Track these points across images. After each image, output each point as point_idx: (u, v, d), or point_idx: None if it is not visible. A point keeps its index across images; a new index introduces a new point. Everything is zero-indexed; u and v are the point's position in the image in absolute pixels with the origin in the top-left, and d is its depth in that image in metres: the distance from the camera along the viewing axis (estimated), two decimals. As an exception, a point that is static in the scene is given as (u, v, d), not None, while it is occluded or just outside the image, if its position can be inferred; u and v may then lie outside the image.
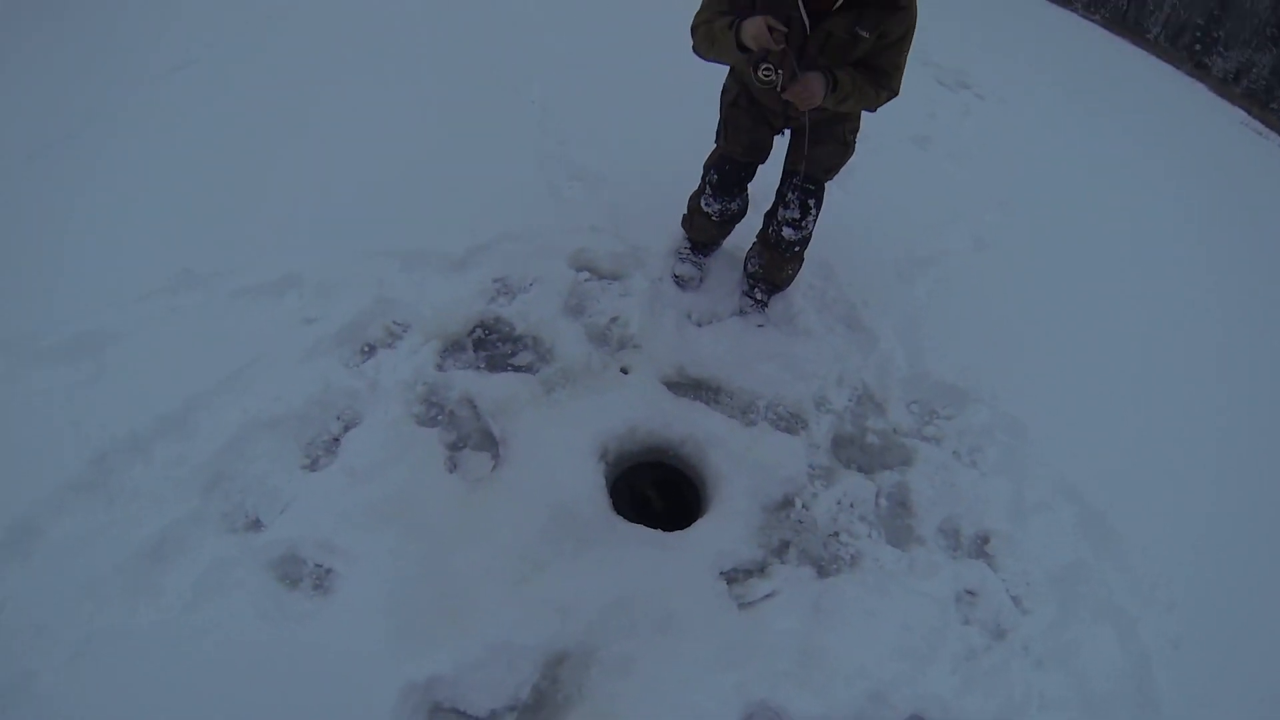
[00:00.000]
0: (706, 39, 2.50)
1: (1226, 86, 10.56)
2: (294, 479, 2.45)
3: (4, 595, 2.12)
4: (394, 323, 2.94)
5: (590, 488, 2.41)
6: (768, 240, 3.06)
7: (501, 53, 4.70)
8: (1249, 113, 9.60)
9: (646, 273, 3.17)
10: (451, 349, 2.88)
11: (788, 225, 2.95)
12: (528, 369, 2.81)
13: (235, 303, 2.95)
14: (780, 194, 2.99)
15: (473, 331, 2.94)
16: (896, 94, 2.55)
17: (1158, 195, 5.29)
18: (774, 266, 3.09)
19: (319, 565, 2.28)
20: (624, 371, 2.77)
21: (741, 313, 3.15)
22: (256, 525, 2.35)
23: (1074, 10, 11.02)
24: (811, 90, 2.34)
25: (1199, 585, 2.83)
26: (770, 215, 3.05)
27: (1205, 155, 6.78)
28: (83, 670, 2.02)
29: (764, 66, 2.38)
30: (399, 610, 2.17)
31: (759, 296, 3.16)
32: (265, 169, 3.57)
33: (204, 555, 2.25)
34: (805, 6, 2.35)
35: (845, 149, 2.89)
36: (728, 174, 2.98)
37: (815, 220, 2.97)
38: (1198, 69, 10.57)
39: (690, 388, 2.83)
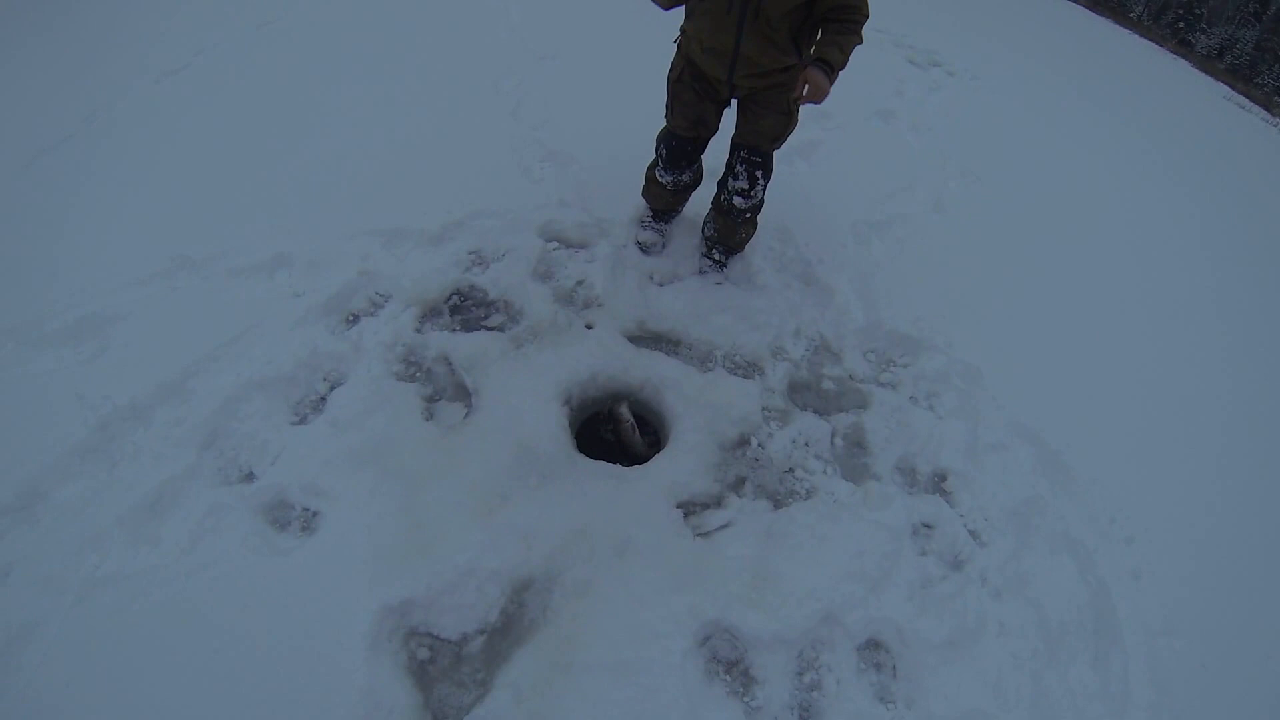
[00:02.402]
0: None
1: (1209, 63, 10.67)
2: (283, 434, 2.59)
3: (13, 557, 2.25)
4: (376, 293, 3.09)
5: (554, 428, 2.55)
6: (720, 207, 3.20)
7: (478, 48, 4.89)
8: (1232, 88, 9.69)
9: (611, 241, 3.32)
10: (429, 314, 3.04)
11: (738, 195, 3.09)
12: (499, 329, 2.96)
13: (230, 282, 3.12)
14: (729, 164, 3.12)
15: (449, 298, 3.10)
16: (868, 15, 2.66)
17: (1132, 164, 5.43)
18: (728, 231, 3.23)
19: (306, 509, 2.42)
20: (588, 327, 2.92)
21: (701, 273, 3.29)
22: (249, 477, 2.49)
23: (1057, -7, 11.15)
24: (819, 84, 2.54)
25: (1158, 519, 2.93)
26: (722, 184, 3.19)
27: (1186, 128, 6.90)
28: (87, 613, 2.14)
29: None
30: (376, 542, 2.30)
31: (716, 258, 3.30)
32: (256, 161, 3.75)
33: (199, 505, 2.37)
34: None
35: (788, 119, 2.96)
36: (674, 148, 3.12)
37: (764, 189, 3.10)
38: (1181, 46, 10.68)
39: (651, 340, 2.99)
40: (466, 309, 3.08)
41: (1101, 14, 11.11)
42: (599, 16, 5.54)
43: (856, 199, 3.93)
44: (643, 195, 3.41)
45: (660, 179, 3.21)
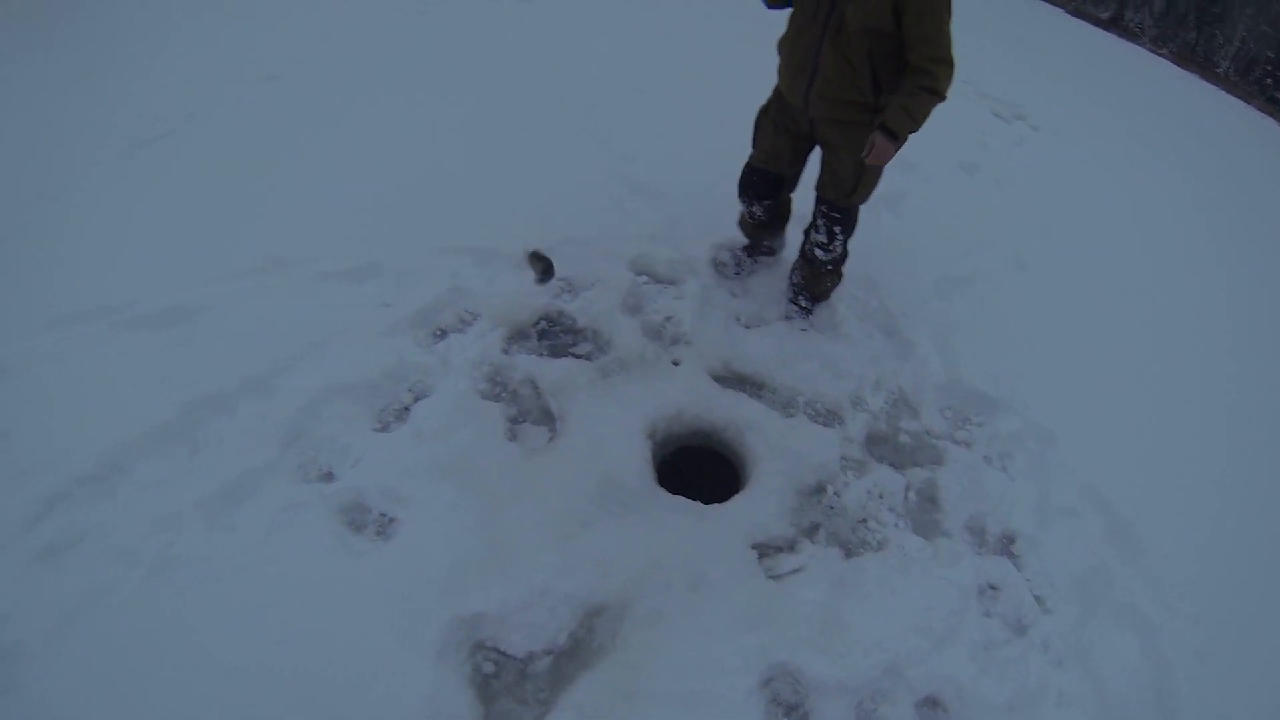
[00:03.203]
0: None
1: (1299, 122, 10.30)
2: (365, 439, 2.63)
3: (89, 524, 2.28)
4: (465, 311, 3.17)
5: (638, 460, 2.61)
6: (805, 255, 3.26)
7: (569, 77, 5.00)
8: (1323, 150, 9.36)
9: (699, 279, 3.38)
10: (517, 337, 3.11)
11: (818, 247, 3.16)
12: (586, 357, 3.03)
13: (320, 285, 3.18)
14: (813, 215, 3.17)
15: (537, 322, 3.18)
16: (950, 63, 2.57)
17: (1217, 230, 5.30)
18: (813, 279, 3.29)
19: (383, 514, 2.45)
20: (675, 364, 2.99)
21: (787, 318, 3.34)
22: (329, 477, 2.52)
23: (1142, 44, 10.93)
24: (882, 149, 2.61)
25: (1226, 599, 2.86)
26: (806, 233, 3.25)
27: (1270, 194, 6.70)
28: (156, 588, 2.16)
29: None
30: (452, 554, 2.33)
31: (802, 304, 3.35)
32: (350, 171, 3.85)
33: (277, 499, 2.41)
34: None
35: (861, 168, 2.92)
36: (748, 177, 3.24)
37: (843, 243, 3.14)
38: (1269, 104, 10.36)
39: (735, 381, 3.03)
40: (554, 334, 3.16)
41: (1188, 69, 10.85)
42: (691, 50, 5.62)
43: (940, 253, 3.94)
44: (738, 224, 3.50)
45: (740, 206, 3.34)
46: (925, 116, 2.60)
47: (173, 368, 2.76)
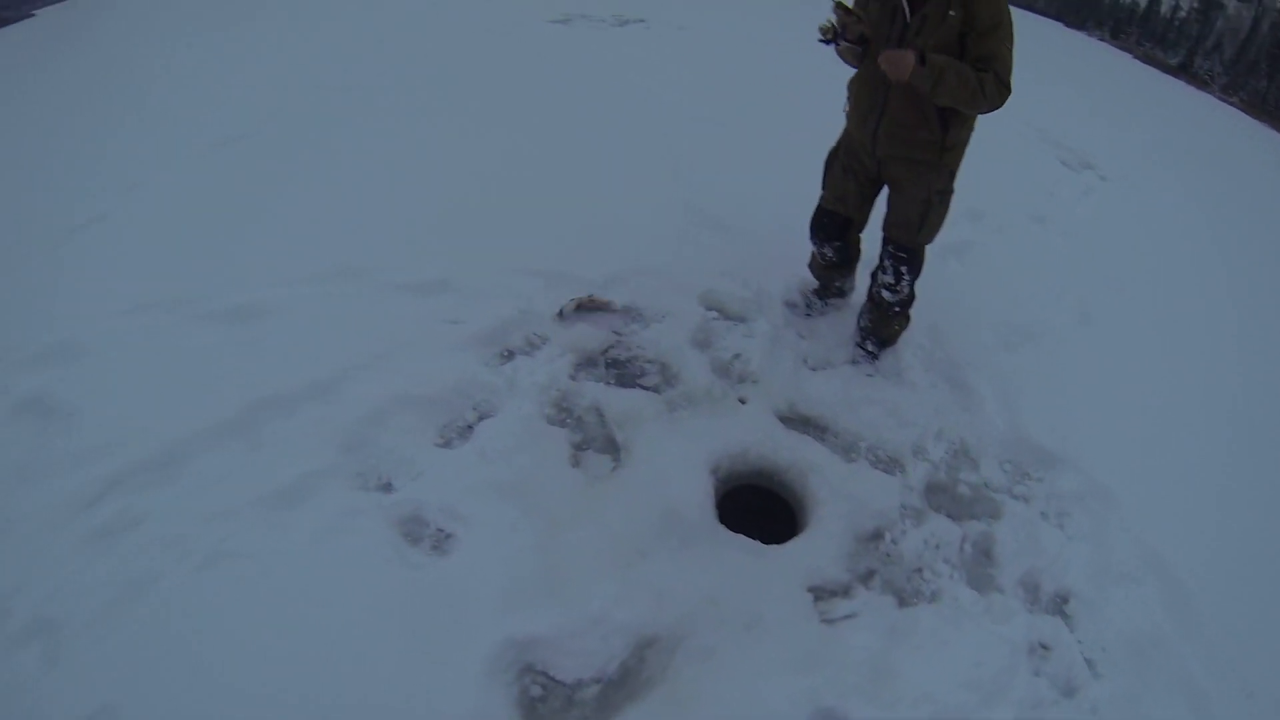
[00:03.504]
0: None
1: (1374, 179, 10.00)
2: (427, 453, 2.66)
3: (146, 510, 2.32)
4: (534, 334, 3.22)
5: (700, 496, 2.64)
6: (873, 298, 3.28)
7: (646, 106, 5.08)
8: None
9: (769, 319, 3.42)
10: (585, 364, 3.16)
11: (885, 288, 3.18)
12: (653, 389, 3.07)
13: (390, 296, 3.25)
14: (880, 256, 3.20)
15: (606, 351, 3.23)
16: (1008, 86, 2.61)
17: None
18: (880, 323, 3.31)
19: (440, 530, 2.46)
20: (741, 401, 3.02)
21: (854, 362, 3.35)
22: (388, 488, 2.55)
23: (1211, 93, 10.72)
24: (903, 59, 2.56)
25: (1280, 674, 2.78)
26: (873, 275, 3.27)
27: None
28: (208, 580, 2.19)
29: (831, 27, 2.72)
30: (509, 574, 2.33)
31: (870, 348, 3.36)
32: (429, 185, 3.95)
33: (335, 503, 2.43)
34: None
35: (927, 208, 2.96)
36: (818, 219, 3.29)
37: (910, 283, 3.16)
38: (1344, 160, 10.08)
39: (800, 423, 3.05)
40: (622, 364, 3.21)
41: (1259, 118, 10.60)
42: (772, 85, 5.67)
43: (1006, 303, 3.92)
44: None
45: (811, 246, 3.36)
46: (958, 91, 2.57)
47: (240, 365, 2.84)
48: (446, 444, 2.76)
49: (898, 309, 3.25)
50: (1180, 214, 5.70)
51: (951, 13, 2.58)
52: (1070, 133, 6.47)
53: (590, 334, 3.23)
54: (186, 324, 3.01)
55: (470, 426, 2.84)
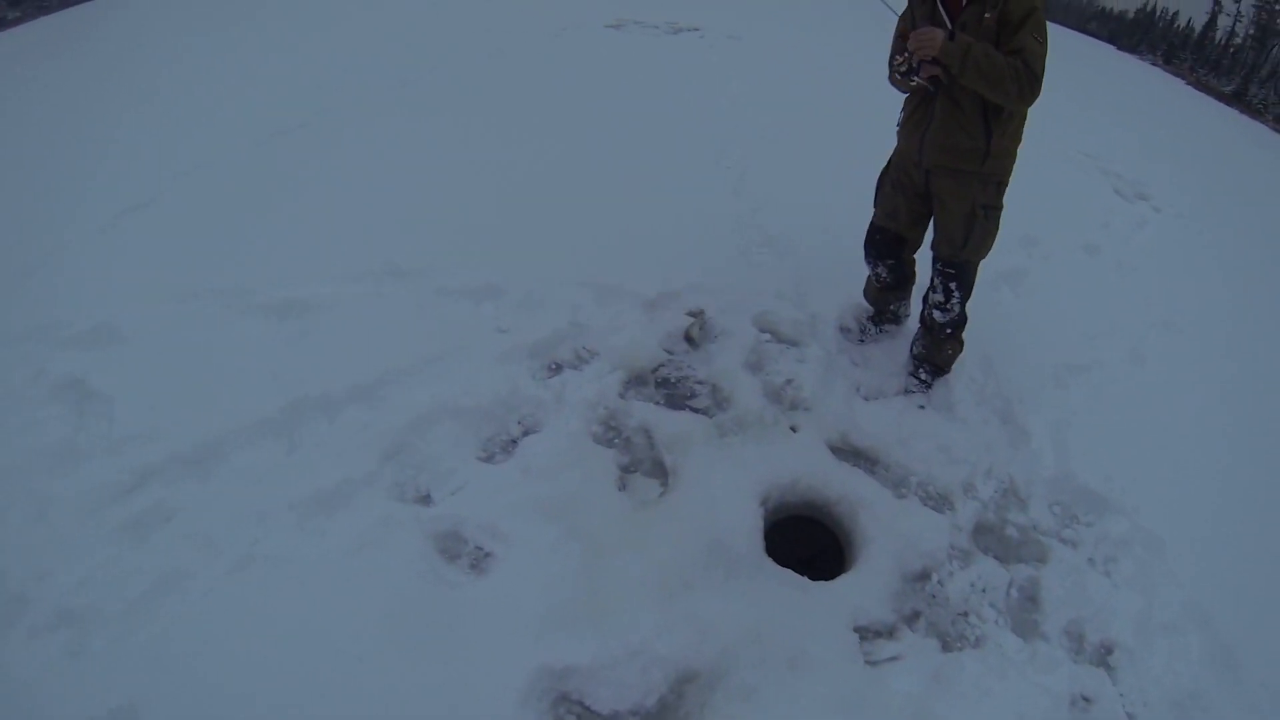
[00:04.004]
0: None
1: None
2: (469, 466, 2.59)
3: (178, 505, 2.27)
4: (583, 348, 3.15)
5: (748, 527, 2.56)
6: (924, 322, 3.21)
7: (699, 116, 5.00)
8: None
9: (822, 343, 3.34)
10: (635, 381, 3.09)
11: (935, 308, 3.12)
12: (704, 412, 3.00)
13: (437, 300, 3.19)
14: (930, 277, 3.14)
15: (656, 369, 3.16)
16: (1038, 77, 2.56)
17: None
18: (933, 348, 3.24)
19: (479, 548, 2.39)
20: (793, 430, 2.94)
21: (906, 392, 3.27)
22: (426, 500, 2.48)
23: (1265, 122, 10.46)
24: (932, 35, 2.55)
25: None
26: (925, 299, 3.21)
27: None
28: (239, 582, 2.12)
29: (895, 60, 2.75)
30: (549, 599, 2.24)
31: (923, 377, 3.28)
32: (482, 187, 3.88)
33: (372, 512, 2.36)
34: (945, 9, 2.69)
35: (972, 221, 2.91)
36: (871, 236, 3.25)
37: (960, 302, 3.08)
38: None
39: (851, 454, 2.97)
40: (672, 384, 3.14)
41: (1313, 154, 10.31)
42: (832, 101, 5.56)
43: (1058, 338, 3.81)
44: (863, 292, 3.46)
45: (866, 265, 3.31)
46: (986, 70, 2.53)
47: (283, 362, 2.79)
48: (489, 458, 2.70)
49: (949, 330, 3.17)
50: (1234, 254, 5.53)
51: (987, 15, 2.59)
52: (1124, 161, 6.31)
53: (642, 350, 3.17)
54: (230, 316, 2.98)
55: (514, 440, 2.78)
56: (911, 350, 3.32)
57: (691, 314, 3.33)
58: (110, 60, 5.33)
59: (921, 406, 3.21)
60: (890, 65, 2.90)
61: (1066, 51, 10.07)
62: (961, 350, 3.29)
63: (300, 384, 2.69)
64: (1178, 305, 4.52)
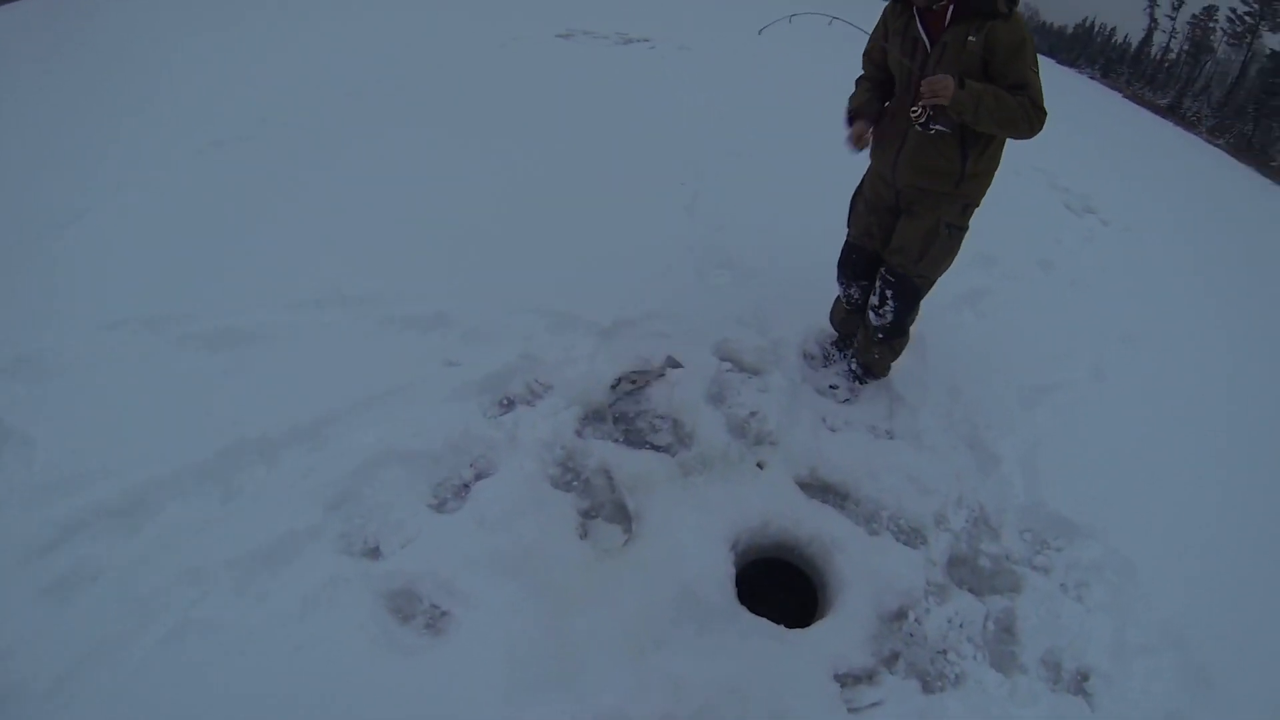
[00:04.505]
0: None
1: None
2: (419, 516, 2.43)
3: (106, 563, 2.08)
4: (536, 381, 3.01)
5: (720, 575, 2.43)
6: (865, 318, 3.18)
7: (657, 132, 4.89)
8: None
9: (786, 371, 3.24)
10: (591, 417, 2.95)
11: (871, 310, 3.07)
12: (666, 449, 2.87)
13: (383, 330, 3.03)
14: (876, 280, 3.08)
15: (614, 403, 3.02)
16: (1043, 109, 2.51)
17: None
18: (865, 345, 3.22)
19: (435, 605, 2.23)
20: (759, 466, 2.83)
21: (831, 386, 3.26)
22: (375, 553, 2.31)
23: (1199, 134, 10.77)
24: (944, 84, 2.45)
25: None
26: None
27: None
28: (176, 655, 1.95)
29: (912, 110, 2.60)
30: (515, 662, 2.11)
31: (854, 368, 3.29)
32: (429, 207, 3.71)
33: (318, 571, 2.18)
34: (924, 28, 2.59)
35: (934, 237, 2.85)
36: (846, 255, 3.17)
37: (895, 314, 3.02)
38: (1324, 206, 10.16)
39: (820, 489, 2.87)
40: (631, 419, 3.01)
41: (1244, 161, 10.66)
42: (796, 116, 5.49)
43: (1021, 358, 3.78)
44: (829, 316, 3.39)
45: (837, 287, 3.24)
46: (999, 114, 2.47)
47: (217, 400, 2.60)
48: (441, 504, 2.55)
49: (881, 336, 3.12)
50: (1181, 262, 5.63)
51: (971, 38, 2.49)
52: (1071, 174, 6.40)
53: (598, 382, 3.03)
54: (164, 346, 2.77)
55: (466, 485, 2.62)
56: (854, 342, 3.31)
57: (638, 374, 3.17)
58: (40, 62, 5.01)
59: (890, 437, 3.13)
60: (853, 97, 2.88)
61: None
62: (894, 358, 3.26)
63: (236, 424, 2.50)
64: (1132, 319, 4.55)
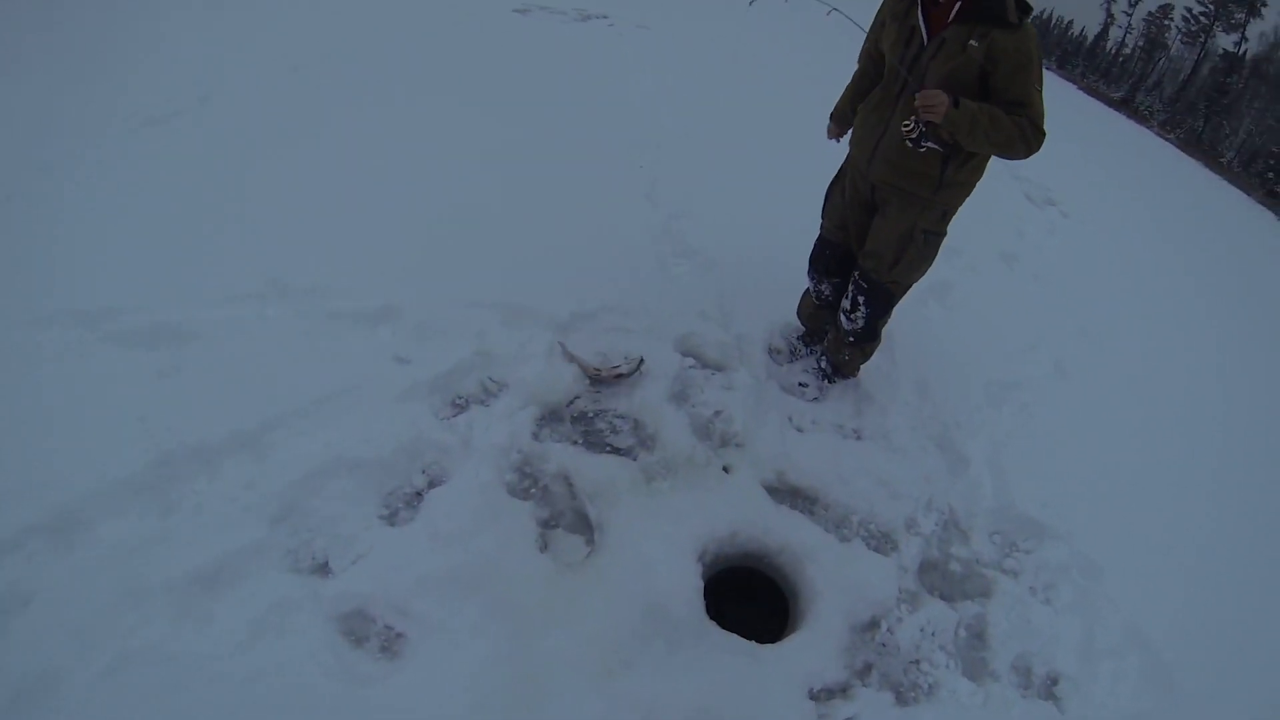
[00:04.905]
0: None
1: (1295, 217, 10.38)
2: (370, 529, 2.27)
3: (38, 585, 1.91)
4: (490, 379, 2.84)
5: (688, 589, 2.29)
6: (836, 320, 3.07)
7: (616, 106, 4.69)
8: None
9: (751, 368, 3.11)
10: (549, 418, 2.78)
11: (842, 313, 2.96)
12: (628, 453, 2.72)
13: (328, 325, 2.84)
14: (849, 283, 2.95)
15: (572, 402, 2.86)
16: (1042, 132, 2.36)
17: (1235, 333, 5.15)
18: (835, 345, 3.11)
19: (389, 627, 2.07)
20: (725, 470, 2.69)
21: (799, 385, 3.15)
22: (324, 570, 2.15)
23: (1150, 128, 10.93)
24: (939, 100, 2.28)
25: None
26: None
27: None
28: (118, 686, 1.79)
29: (904, 124, 2.44)
30: (477, 689, 1.96)
31: (823, 365, 3.18)
32: (377, 193, 3.48)
33: (264, 593, 2.03)
34: (924, 19, 2.42)
35: (908, 242, 2.72)
36: (819, 250, 3.04)
37: (866, 319, 2.91)
38: (1268, 197, 10.41)
39: (789, 494, 2.75)
40: (591, 419, 2.84)
41: (1193, 155, 10.84)
42: (761, 93, 5.32)
43: (987, 353, 3.72)
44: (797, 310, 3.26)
45: (808, 280, 3.12)
46: (994, 135, 2.31)
47: (154, 404, 2.38)
48: (392, 515, 2.36)
49: (851, 339, 3.01)
50: (1136, 256, 5.67)
51: (973, 43, 2.32)
52: (1031, 164, 6.34)
53: (556, 380, 2.86)
54: (92, 344, 2.53)
55: (419, 494, 2.44)
56: (825, 340, 3.20)
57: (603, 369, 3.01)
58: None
59: (858, 438, 3.02)
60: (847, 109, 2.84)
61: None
62: (865, 360, 3.16)
63: (173, 431, 2.29)
64: (1091, 314, 4.55)
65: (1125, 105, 10.74)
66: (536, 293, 3.20)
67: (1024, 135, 2.33)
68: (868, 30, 2.75)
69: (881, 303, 2.88)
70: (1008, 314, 4.14)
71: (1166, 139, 10.55)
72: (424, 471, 2.51)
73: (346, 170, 3.65)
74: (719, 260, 3.60)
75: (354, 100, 4.19)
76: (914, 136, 2.41)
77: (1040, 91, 2.38)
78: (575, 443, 2.73)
